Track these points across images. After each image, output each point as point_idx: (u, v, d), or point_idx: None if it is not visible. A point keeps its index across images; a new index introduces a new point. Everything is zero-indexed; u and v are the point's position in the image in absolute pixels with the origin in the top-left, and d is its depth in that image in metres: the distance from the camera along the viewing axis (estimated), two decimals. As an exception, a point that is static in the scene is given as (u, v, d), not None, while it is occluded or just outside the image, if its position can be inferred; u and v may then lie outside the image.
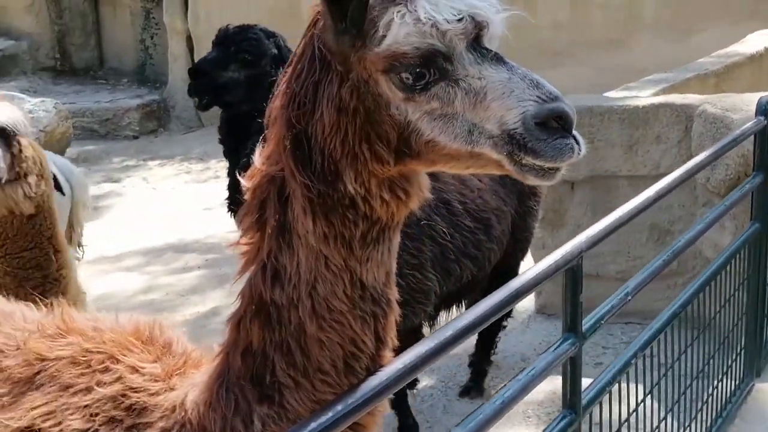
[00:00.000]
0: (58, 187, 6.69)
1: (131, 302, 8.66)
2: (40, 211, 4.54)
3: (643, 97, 7.71)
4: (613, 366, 3.92)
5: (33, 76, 19.69)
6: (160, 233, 10.89)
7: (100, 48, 20.68)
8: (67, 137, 15.54)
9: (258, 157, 2.26)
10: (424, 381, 6.52)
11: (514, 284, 3.09)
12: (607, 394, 3.78)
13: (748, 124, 5.57)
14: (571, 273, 3.48)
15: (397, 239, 2.27)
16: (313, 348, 2.20)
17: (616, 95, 8.04)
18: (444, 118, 2.06)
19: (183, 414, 2.30)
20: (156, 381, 2.41)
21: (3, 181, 4.31)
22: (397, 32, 2.01)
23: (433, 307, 5.17)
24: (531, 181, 2.10)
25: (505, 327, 6.53)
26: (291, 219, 2.18)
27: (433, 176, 5.21)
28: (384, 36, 2.02)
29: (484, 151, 2.05)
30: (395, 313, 2.32)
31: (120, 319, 2.72)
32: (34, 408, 2.43)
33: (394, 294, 2.31)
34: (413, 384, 5.64)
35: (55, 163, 6.83)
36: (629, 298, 3.85)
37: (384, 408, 2.42)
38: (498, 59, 2.07)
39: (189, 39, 16.80)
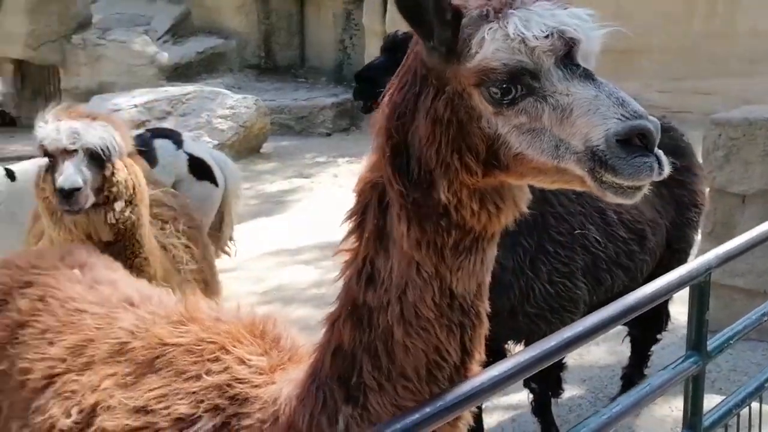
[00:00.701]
0: (212, 177, 7.02)
1: (304, 294, 8.90)
2: (120, 240, 4.34)
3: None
4: (745, 388, 3.73)
5: (239, 73, 20.64)
6: (339, 229, 11.12)
7: (302, 47, 21.44)
8: (264, 132, 16.23)
9: (364, 165, 2.32)
10: (574, 391, 6.36)
11: (630, 299, 3.01)
12: (735, 417, 3.61)
13: None
14: (698, 289, 3.36)
15: (492, 252, 2.27)
16: (399, 353, 2.22)
17: None
18: (532, 133, 2.08)
19: (278, 407, 2.36)
20: (260, 374, 2.48)
21: (86, 206, 4.19)
22: (487, 48, 2.05)
23: (581, 317, 5.04)
24: (610, 198, 2.08)
25: (659, 340, 6.29)
26: (389, 224, 2.23)
27: (587, 186, 5.09)
28: (476, 52, 2.07)
29: (569, 166, 2.06)
30: (484, 327, 2.31)
31: (240, 311, 2.80)
32: (151, 390, 2.55)
33: (485, 307, 2.30)
34: (558, 392, 5.53)
35: (211, 155, 7.15)
36: (765, 319, 3.65)
37: (467, 419, 2.40)
38: (587, 76, 2.07)
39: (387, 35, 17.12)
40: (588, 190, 2.11)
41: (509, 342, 5.16)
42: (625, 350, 6.38)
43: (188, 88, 16.45)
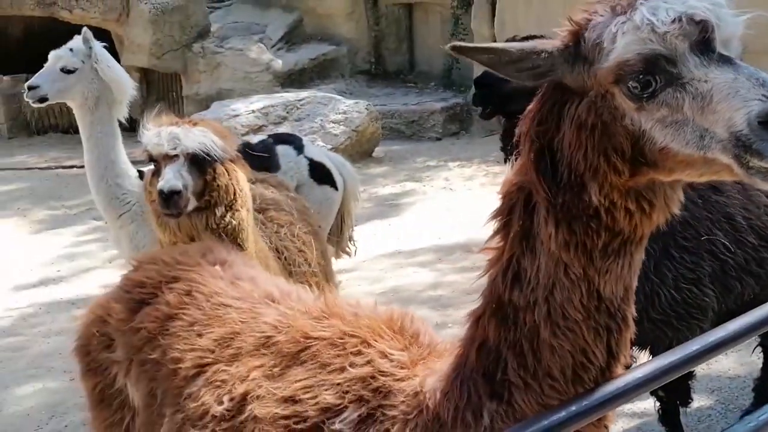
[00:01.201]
0: (332, 181, 7.14)
1: (420, 296, 8.98)
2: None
3: None
4: None
5: (350, 79, 20.87)
6: (452, 232, 11.19)
7: (411, 53, 21.55)
8: (376, 137, 16.40)
9: (511, 168, 2.38)
10: (703, 401, 6.23)
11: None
12: None
13: None
14: None
15: (639, 255, 2.28)
16: (545, 352, 2.26)
17: None
18: (675, 125, 2.07)
19: (422, 399, 2.43)
20: (402, 368, 2.55)
21: (187, 209, 4.29)
22: (619, 43, 2.07)
23: (710, 325, 4.95)
24: (760, 185, 2.03)
25: (795, 352, 6.09)
26: (536, 225, 2.27)
27: (715, 189, 4.97)
28: (610, 50, 2.10)
29: (716, 155, 2.03)
30: (630, 331, 2.33)
31: (378, 308, 2.88)
32: (297, 381, 2.67)
33: (632, 311, 2.32)
34: (686, 402, 5.43)
35: (330, 158, 7.27)
36: None
37: (611, 420, 2.41)
38: (724, 60, 2.04)
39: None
40: (737, 178, 2.08)
41: (633, 349, 5.11)
42: (755, 361, 6.21)
43: (302, 93, 16.75)
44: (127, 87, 6.86)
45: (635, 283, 2.31)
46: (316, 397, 2.58)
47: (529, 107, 2.33)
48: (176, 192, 4.23)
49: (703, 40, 2.05)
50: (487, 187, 13.50)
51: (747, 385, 6.27)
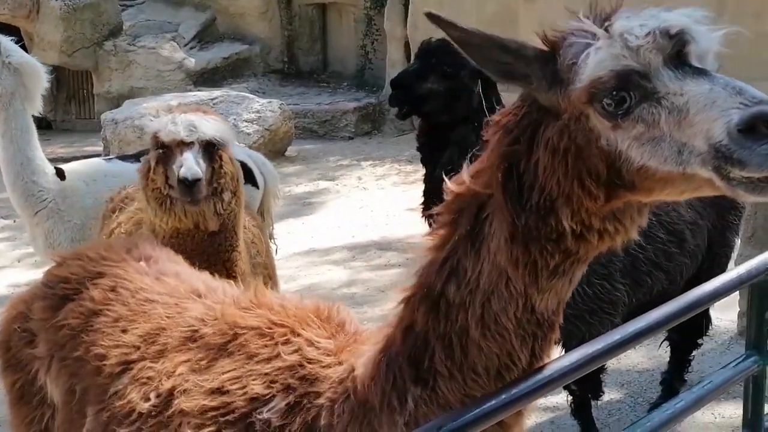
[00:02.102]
0: (252, 180, 7.13)
1: (335, 294, 9.01)
2: (223, 230, 4.47)
3: None
4: None
5: (263, 78, 20.81)
6: (366, 230, 11.29)
7: (324, 53, 21.59)
8: (289, 136, 16.38)
9: (467, 170, 2.35)
10: (613, 394, 6.40)
11: (689, 296, 3.02)
12: None
13: None
14: (758, 288, 3.36)
15: (581, 272, 2.30)
16: (472, 349, 2.29)
17: None
18: (652, 142, 2.01)
19: (349, 385, 2.45)
20: (328, 355, 2.58)
21: (203, 196, 4.32)
22: (592, 60, 2.03)
23: (621, 319, 5.11)
24: (744, 197, 1.97)
25: (700, 345, 6.31)
26: (486, 234, 2.25)
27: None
28: (583, 70, 2.05)
29: (696, 170, 1.97)
30: (556, 334, 2.37)
31: (303, 299, 2.91)
32: (225, 372, 2.66)
33: (560, 319, 2.36)
34: (598, 395, 5.58)
35: (249, 156, 7.25)
36: None
37: (530, 410, 2.47)
38: (699, 72, 2.00)
39: (407, 45, 17.22)
40: (719, 193, 2.03)
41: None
42: (663, 355, 6.40)
43: (215, 92, 16.63)
44: (42, 77, 6.69)
45: (569, 296, 2.34)
46: (244, 387, 2.58)
47: (499, 120, 2.26)
48: (198, 179, 4.25)
49: (677, 53, 2.01)
50: (400, 186, 13.64)
51: (655, 378, 6.47)
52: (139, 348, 2.95)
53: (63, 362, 3.12)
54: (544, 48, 2.15)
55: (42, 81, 6.66)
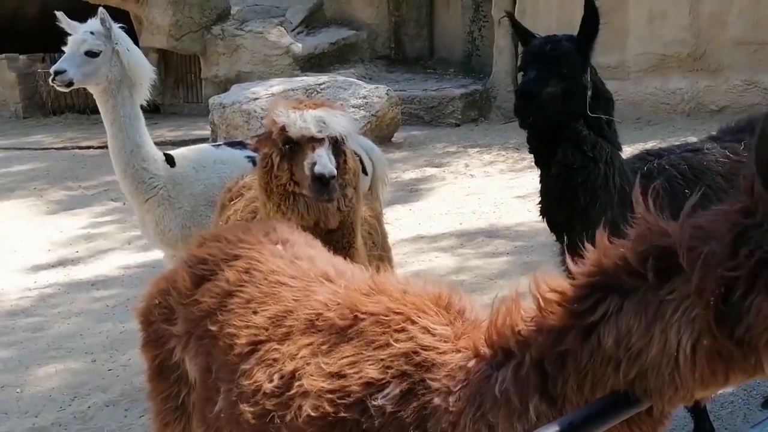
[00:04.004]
0: (362, 167, 7.14)
1: (444, 281, 8.99)
2: (342, 227, 4.40)
3: None
4: None
5: (370, 64, 20.95)
6: (473, 218, 11.26)
7: (431, 39, 21.61)
8: (395, 122, 16.46)
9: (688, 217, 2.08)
10: (726, 387, 6.26)
11: None
12: None
13: None
14: None
15: None
16: (599, 392, 2.18)
17: None
18: None
19: (469, 372, 2.41)
20: (445, 341, 2.55)
21: (337, 194, 4.23)
22: None
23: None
24: None
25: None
26: (665, 313, 2.04)
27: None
28: None
29: None
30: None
31: (427, 284, 2.92)
32: (344, 357, 2.70)
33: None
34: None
35: (358, 142, 7.26)
36: None
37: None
38: None
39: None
40: None
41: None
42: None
43: (322, 78, 16.78)
44: (147, 72, 6.71)
45: None
46: (360, 372, 2.60)
47: (717, 227, 1.96)
48: (335, 176, 4.22)
49: None
50: (507, 173, 13.55)
51: (768, 371, 6.30)
52: (267, 329, 3.02)
53: (200, 341, 3.22)
54: None
55: (148, 75, 6.73)
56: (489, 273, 9.11)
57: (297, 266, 3.24)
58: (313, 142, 4.28)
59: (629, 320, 2.08)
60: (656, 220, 2.10)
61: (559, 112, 5.37)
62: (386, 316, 2.70)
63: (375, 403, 2.52)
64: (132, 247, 11.11)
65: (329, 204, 4.29)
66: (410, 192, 13.11)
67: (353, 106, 15.63)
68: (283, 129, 4.33)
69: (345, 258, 4.04)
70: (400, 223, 11.12)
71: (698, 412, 5.52)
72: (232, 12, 21.19)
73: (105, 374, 7.21)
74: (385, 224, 7.23)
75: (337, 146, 4.33)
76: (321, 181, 4.18)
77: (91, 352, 7.70)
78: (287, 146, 4.34)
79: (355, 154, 6.90)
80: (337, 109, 4.53)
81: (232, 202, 5.66)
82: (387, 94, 16.21)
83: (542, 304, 2.27)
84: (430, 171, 14.34)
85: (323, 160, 4.20)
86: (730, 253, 1.91)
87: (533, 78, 5.70)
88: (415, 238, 10.65)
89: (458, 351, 2.50)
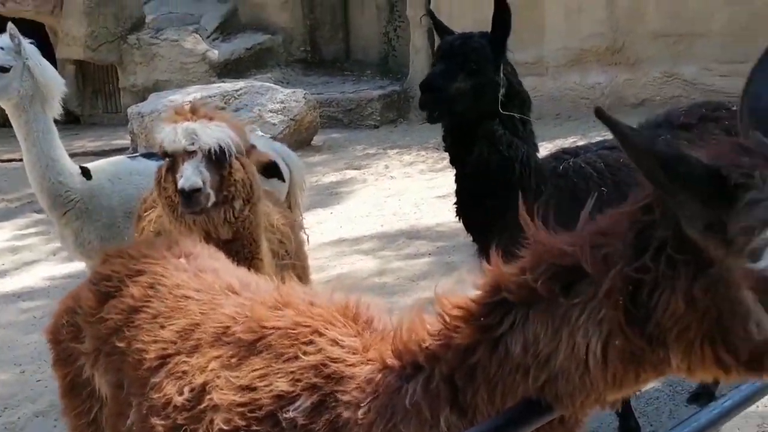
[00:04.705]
0: (278, 173, 7.13)
1: (365, 284, 9.01)
2: (238, 238, 4.41)
3: None
4: None
5: (286, 68, 20.89)
6: (394, 219, 11.32)
7: (347, 41, 21.63)
8: (314, 126, 16.45)
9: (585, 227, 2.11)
10: (651, 383, 6.36)
11: None
12: None
13: None
14: None
15: None
16: (509, 401, 2.19)
17: None
18: None
19: (378, 385, 2.40)
20: (354, 353, 2.54)
21: (208, 205, 4.25)
22: None
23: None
24: None
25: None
26: (571, 317, 2.04)
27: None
28: (758, 253, 1.72)
29: None
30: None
31: (334, 295, 2.92)
32: (254, 370, 2.68)
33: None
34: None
35: (274, 149, 7.25)
36: None
37: None
38: None
39: (431, 32, 17.20)
40: None
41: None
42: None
43: (239, 83, 16.74)
44: (59, 86, 6.66)
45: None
46: (270, 385, 2.59)
47: (629, 237, 1.95)
48: (197, 190, 4.20)
49: None
50: (427, 173, 13.65)
51: (692, 368, 6.41)
52: (175, 343, 3.00)
53: (109, 357, 3.21)
54: (717, 186, 1.77)
55: (58, 90, 6.67)
56: (411, 274, 9.15)
57: (202, 279, 3.23)
58: (185, 155, 4.29)
59: (536, 327, 2.08)
60: (549, 238, 2.11)
61: (470, 109, 5.37)
62: (293, 329, 2.69)
63: (286, 415, 2.51)
64: (57, 258, 11.00)
65: (198, 217, 4.29)
66: (331, 195, 13.13)
67: (271, 111, 15.60)
68: (161, 144, 4.37)
69: (249, 269, 4.04)
70: (321, 226, 11.12)
71: (623, 410, 5.56)
72: (147, 21, 21.00)
73: (34, 385, 7.19)
74: (305, 229, 7.24)
75: (216, 158, 4.31)
76: (183, 195, 4.19)
77: (20, 364, 7.67)
78: (169, 159, 4.39)
79: (271, 160, 6.89)
80: (221, 119, 4.50)
81: (147, 213, 5.63)
82: (305, 97, 16.21)
83: (448, 321, 2.27)
84: (350, 173, 14.37)
85: (187, 174, 4.21)
86: (634, 252, 1.92)
87: (438, 72, 5.71)
88: (337, 241, 10.67)
89: (367, 363, 2.49)
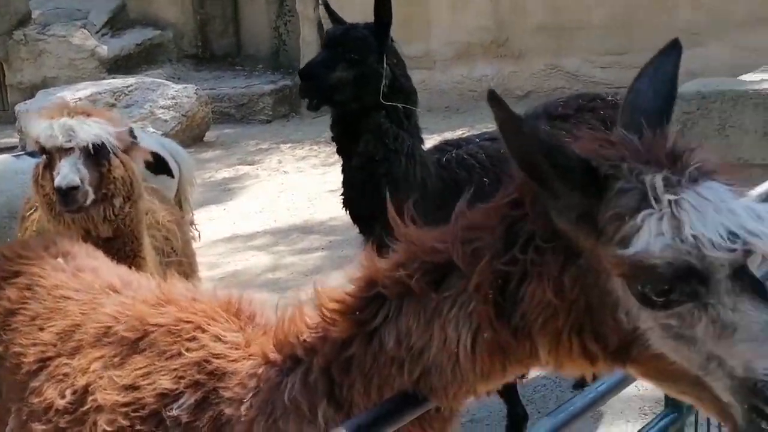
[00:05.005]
0: (168, 170, 7.07)
1: (259, 280, 9.03)
2: (119, 236, 4.33)
3: (782, 79, 7.29)
4: None
5: (177, 63, 20.54)
6: (287, 214, 11.31)
7: (237, 35, 21.39)
8: (206, 121, 16.27)
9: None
10: (537, 371, 6.50)
11: None
12: None
13: None
14: None
15: None
16: (387, 394, 2.23)
17: (750, 78, 7.63)
18: (680, 338, 1.80)
19: (260, 381, 2.43)
20: (236, 349, 2.56)
21: (86, 203, 4.18)
22: (651, 243, 1.74)
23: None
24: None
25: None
26: (443, 310, 2.08)
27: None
28: (628, 239, 1.77)
29: (714, 386, 1.79)
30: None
31: (217, 291, 2.92)
32: (136, 369, 2.67)
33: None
34: (523, 374, 5.63)
35: (163, 145, 7.18)
36: None
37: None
38: (760, 292, 1.77)
39: (321, 26, 17.19)
40: (721, 421, 1.85)
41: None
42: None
43: (130, 80, 16.43)
44: None
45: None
46: (153, 383, 2.58)
47: (499, 229, 1.98)
48: (74, 188, 4.10)
49: (742, 266, 1.78)
50: (320, 168, 13.66)
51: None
52: (55, 345, 2.95)
53: None
54: (588, 177, 1.83)
55: None
56: (304, 269, 9.17)
57: (81, 279, 3.19)
58: (63, 152, 4.21)
59: (409, 320, 2.12)
60: (420, 235, 2.17)
61: (353, 99, 5.41)
62: (176, 326, 2.68)
63: (170, 413, 2.50)
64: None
65: (76, 215, 4.22)
66: (224, 191, 13.03)
67: (162, 107, 15.38)
68: (36, 140, 4.28)
69: (131, 267, 3.99)
70: (214, 223, 11.02)
71: (511, 398, 5.66)
72: (33, 16, 20.38)
73: None
74: (195, 225, 7.19)
75: (95, 155, 4.24)
76: (60, 193, 4.11)
77: None
78: (46, 156, 4.30)
79: (159, 156, 6.81)
80: (99, 116, 4.43)
81: (30, 213, 5.51)
82: (196, 93, 16.03)
83: (326, 314, 2.31)
84: (243, 169, 14.28)
85: (63, 171, 4.13)
86: (503, 245, 1.96)
87: (319, 60, 5.72)
88: (230, 237, 10.61)
89: (249, 358, 2.50)
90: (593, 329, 1.88)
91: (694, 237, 1.72)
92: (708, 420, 3.55)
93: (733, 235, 1.72)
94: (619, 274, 1.80)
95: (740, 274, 1.76)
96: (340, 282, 2.40)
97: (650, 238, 1.73)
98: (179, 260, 5.20)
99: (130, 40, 20.31)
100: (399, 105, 5.32)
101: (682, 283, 1.75)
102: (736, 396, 1.75)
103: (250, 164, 14.51)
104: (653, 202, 1.76)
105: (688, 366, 1.80)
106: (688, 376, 1.81)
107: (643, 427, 3.33)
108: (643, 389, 5.99)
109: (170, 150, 7.23)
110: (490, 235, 2.00)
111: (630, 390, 5.95)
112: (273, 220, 11.21)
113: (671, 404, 3.38)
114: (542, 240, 1.90)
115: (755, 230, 1.74)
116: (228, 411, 2.41)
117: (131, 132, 7.02)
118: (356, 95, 5.36)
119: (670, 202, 1.75)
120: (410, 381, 2.14)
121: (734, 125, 6.94)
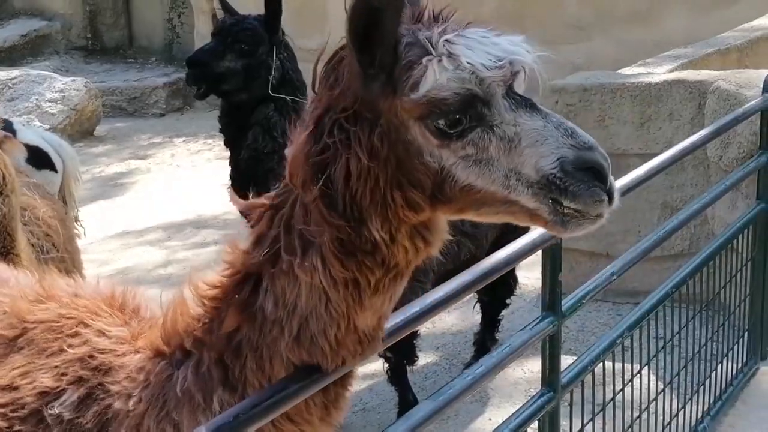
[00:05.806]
0: (51, 164, 6.83)
1: (151, 275, 8.88)
2: None
3: (657, 73, 7.58)
4: (597, 345, 3.90)
5: (65, 55, 19.93)
6: (180, 209, 11.12)
7: (129, 27, 20.87)
8: (96, 115, 15.82)
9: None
10: (429, 357, 6.55)
11: (486, 264, 3.11)
12: (590, 374, 3.79)
13: (753, 102, 5.53)
14: (550, 252, 3.48)
15: (401, 287, 2.24)
16: (283, 365, 2.25)
17: (629, 71, 7.93)
18: (479, 164, 2.04)
19: (149, 374, 2.39)
20: (122, 343, 2.50)
21: None
22: (437, 78, 1.99)
23: (431, 286, 5.21)
24: (569, 232, 2.07)
25: (508, 305, 6.54)
26: (301, 252, 2.15)
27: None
28: (419, 82, 2.01)
29: (520, 198, 2.04)
30: (378, 346, 2.33)
31: (100, 285, 2.81)
32: (15, 368, 2.55)
33: (382, 333, 2.32)
34: (412, 360, 5.68)
35: (44, 138, 6.96)
36: (614, 278, 3.83)
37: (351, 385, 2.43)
38: (532, 106, 2.06)
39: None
40: (536, 224, 2.12)
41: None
42: (475, 316, 6.60)
43: (14, 72, 15.79)
44: None
45: (390, 312, 2.30)
46: (33, 382, 2.50)
47: (305, 133, 2.15)
48: None
49: (511, 84, 2.06)
50: (213, 161, 13.45)
51: (468, 339, 6.68)
52: None
53: None
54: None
55: None
56: (197, 264, 9.01)
57: None
58: None
59: (282, 282, 2.19)
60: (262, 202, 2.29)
61: (241, 90, 5.35)
62: (57, 321, 2.59)
63: (51, 411, 2.44)
64: None
65: None
66: (115, 186, 12.73)
67: (49, 101, 14.88)
68: None
69: (6, 264, 3.84)
70: (104, 219, 10.74)
71: (401, 385, 5.72)
72: None
73: None
74: (80, 221, 6.96)
75: None
76: None
77: None
78: None
79: (40, 150, 6.55)
80: None
81: None
82: (86, 86, 15.54)
83: (207, 303, 2.33)
84: (135, 164, 13.96)
85: None
86: (314, 140, 2.11)
87: (207, 48, 5.68)
88: (122, 233, 10.38)
89: (136, 352, 2.48)
90: (409, 179, 2.06)
91: (471, 65, 1.99)
92: (582, 397, 3.65)
93: (499, 59, 2.02)
94: (417, 117, 2.02)
95: (512, 95, 2.05)
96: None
97: (436, 75, 1.98)
98: (61, 257, 5.01)
99: (15, 30, 19.58)
100: (288, 98, 5.29)
101: (469, 108, 2.01)
102: (538, 199, 2.02)
103: (142, 158, 14.19)
104: (432, 50, 2.02)
105: (495, 188, 2.04)
106: (497, 197, 2.05)
107: (521, 407, 3.40)
108: (529, 373, 6.10)
109: (54, 144, 7.01)
110: (304, 140, 2.15)
111: (517, 373, 6.11)
112: (165, 215, 10.98)
113: (547, 384, 3.46)
114: (345, 119, 2.06)
115: (515, 51, 2.05)
116: (116, 405, 2.39)
117: (6, 125, 6.78)
118: (245, 86, 5.34)
119: (444, 45, 2.01)
120: (293, 339, 2.19)
121: (613, 117, 7.15)
